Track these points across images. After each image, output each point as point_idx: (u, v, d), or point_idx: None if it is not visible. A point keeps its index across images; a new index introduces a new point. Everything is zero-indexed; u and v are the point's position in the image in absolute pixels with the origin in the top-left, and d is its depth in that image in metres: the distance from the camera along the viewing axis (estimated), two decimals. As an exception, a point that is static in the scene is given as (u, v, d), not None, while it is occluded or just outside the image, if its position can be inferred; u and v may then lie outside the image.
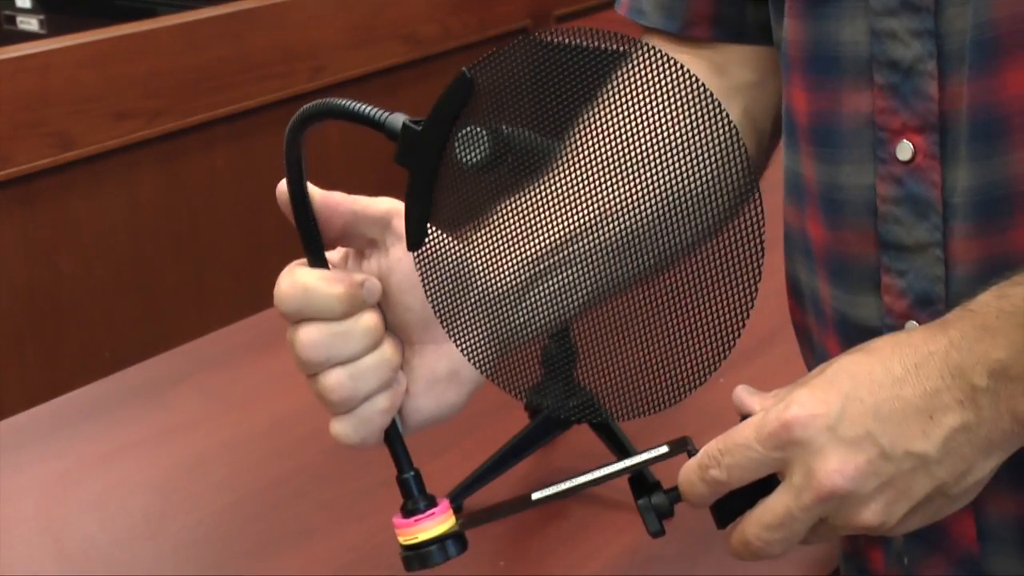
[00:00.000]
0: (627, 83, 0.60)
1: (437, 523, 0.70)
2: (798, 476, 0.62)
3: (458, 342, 0.69)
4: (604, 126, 0.61)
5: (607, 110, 0.61)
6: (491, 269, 0.68)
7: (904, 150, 0.70)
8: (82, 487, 1.03)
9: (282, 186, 0.71)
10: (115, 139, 2.11)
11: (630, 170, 0.61)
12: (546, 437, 1.01)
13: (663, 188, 0.61)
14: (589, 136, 0.62)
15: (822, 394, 0.62)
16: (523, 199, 0.66)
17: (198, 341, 1.28)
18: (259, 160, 2.35)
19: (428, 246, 0.67)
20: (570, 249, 0.66)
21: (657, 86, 0.59)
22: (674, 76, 0.58)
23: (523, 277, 0.67)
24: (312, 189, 0.71)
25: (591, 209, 0.63)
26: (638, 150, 0.60)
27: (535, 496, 0.71)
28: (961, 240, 0.70)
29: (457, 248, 0.67)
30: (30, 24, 2.56)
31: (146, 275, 2.22)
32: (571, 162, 0.63)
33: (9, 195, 1.99)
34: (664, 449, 0.67)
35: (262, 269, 2.64)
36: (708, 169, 0.59)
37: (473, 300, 0.68)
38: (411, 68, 2.66)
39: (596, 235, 0.64)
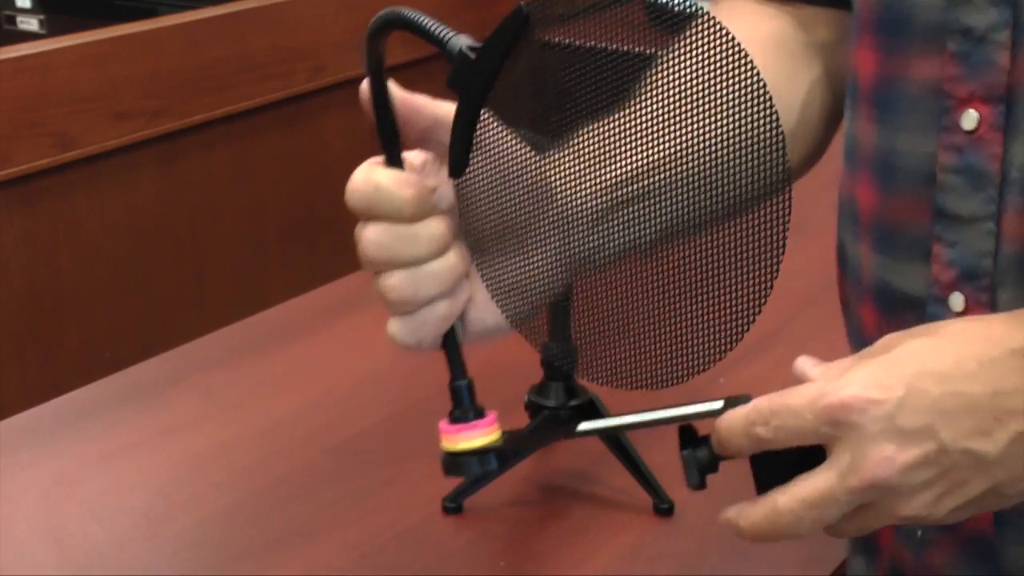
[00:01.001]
0: (684, 45, 0.60)
1: (481, 435, 0.71)
2: (847, 458, 0.59)
3: (484, 273, 0.69)
4: (664, 81, 0.61)
5: (665, 68, 0.61)
6: (563, 195, 0.67)
7: (969, 120, 0.69)
8: (82, 487, 1.03)
9: (364, 85, 0.70)
10: (115, 139, 2.11)
11: (684, 120, 0.61)
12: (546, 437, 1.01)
13: (704, 145, 0.60)
14: (656, 83, 0.62)
15: (885, 378, 0.59)
16: (593, 132, 0.65)
17: (198, 341, 1.28)
18: (259, 160, 2.35)
19: (469, 175, 0.67)
20: (635, 186, 0.65)
21: (705, 52, 0.58)
22: (720, 44, 0.57)
23: (597, 205, 0.66)
24: (394, 89, 0.70)
25: (657, 149, 0.62)
26: (688, 105, 0.60)
27: (580, 427, 0.69)
28: (1015, 215, 0.69)
29: (495, 179, 0.67)
30: (30, 24, 2.56)
31: (146, 275, 2.22)
32: (644, 99, 0.62)
33: (9, 195, 1.99)
34: (720, 404, 0.65)
35: (262, 269, 2.67)
36: (738, 140, 0.59)
37: (502, 235, 0.68)
38: (411, 68, 2.66)
39: (662, 175, 0.63)
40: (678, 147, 0.61)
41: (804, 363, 0.66)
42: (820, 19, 0.82)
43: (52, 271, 2.07)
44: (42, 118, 2.00)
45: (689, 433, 0.66)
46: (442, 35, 0.67)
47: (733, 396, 0.65)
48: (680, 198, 0.63)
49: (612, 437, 1.01)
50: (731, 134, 0.59)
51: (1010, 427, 0.58)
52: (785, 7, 0.83)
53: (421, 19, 0.68)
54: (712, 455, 0.65)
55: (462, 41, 0.67)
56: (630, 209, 0.65)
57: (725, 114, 0.59)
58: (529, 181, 0.66)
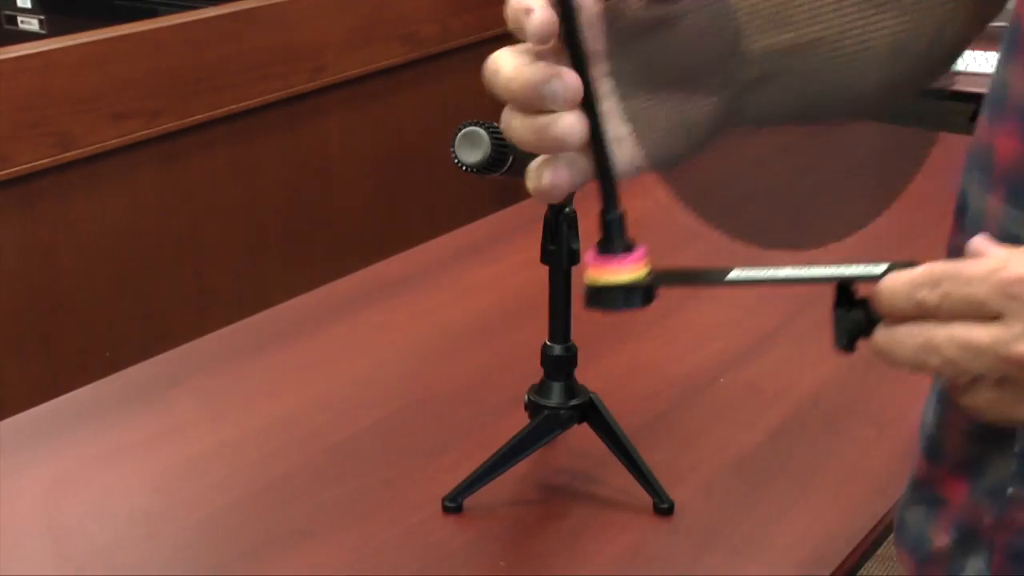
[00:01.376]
0: None
1: (626, 270, 0.67)
2: (1018, 328, 0.59)
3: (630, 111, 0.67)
4: None
5: None
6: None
7: None
8: (82, 487, 1.03)
9: None
10: (115, 139, 2.11)
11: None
12: (546, 437, 1.01)
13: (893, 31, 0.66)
14: None
15: None
16: None
17: (198, 341, 1.28)
18: (259, 160, 2.35)
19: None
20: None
21: None
22: None
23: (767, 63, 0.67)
24: None
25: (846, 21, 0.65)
26: None
27: (731, 276, 0.66)
28: None
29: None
30: (30, 24, 2.56)
31: (146, 275, 2.22)
32: None
33: (9, 195, 1.99)
34: (883, 267, 0.62)
35: (262, 269, 2.66)
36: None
37: (659, 73, 0.67)
38: (411, 68, 2.66)
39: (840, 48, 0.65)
40: (865, 25, 0.64)
41: (981, 241, 0.64)
42: None
43: (52, 271, 2.07)
44: (42, 118, 2.00)
45: (845, 293, 0.65)
46: None
47: (899, 261, 0.63)
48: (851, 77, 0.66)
49: (612, 437, 1.01)
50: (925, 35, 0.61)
51: None
52: None
53: None
54: (867, 317, 0.63)
55: None
56: (800, 69, 0.67)
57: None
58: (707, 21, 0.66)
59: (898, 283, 0.62)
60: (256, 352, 1.25)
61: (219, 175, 2.31)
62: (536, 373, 1.02)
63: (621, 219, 0.69)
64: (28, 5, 2.56)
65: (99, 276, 2.14)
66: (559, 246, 0.98)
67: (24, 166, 1.98)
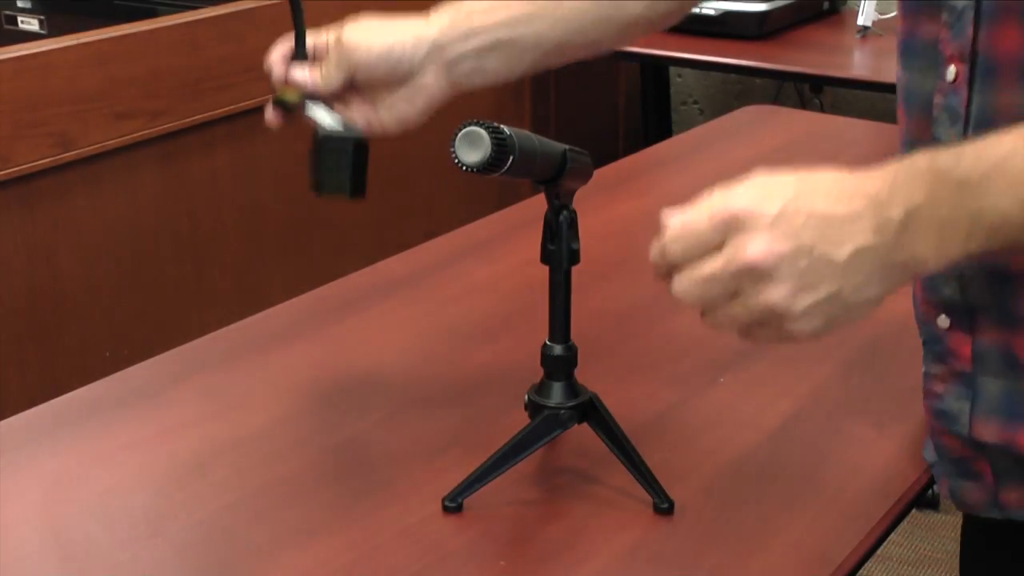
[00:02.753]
0: None
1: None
2: (731, 248, 0.76)
3: None
4: None
5: None
6: None
7: (950, 73, 0.91)
8: (82, 487, 1.03)
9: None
10: (115, 139, 2.11)
11: None
12: (546, 437, 1.01)
13: None
14: None
15: (767, 196, 0.77)
16: None
17: (198, 341, 1.28)
18: (259, 160, 2.35)
19: None
20: None
21: None
22: None
23: None
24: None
25: None
26: None
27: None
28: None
29: None
30: (30, 24, 2.56)
31: (146, 275, 2.22)
32: None
33: (9, 195, 1.99)
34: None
35: (262, 269, 2.66)
36: None
37: None
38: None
39: None
40: None
41: (668, 214, 0.81)
42: None
43: (52, 271, 2.07)
44: (42, 118, 2.00)
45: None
46: None
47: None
48: None
49: (612, 437, 1.01)
50: None
51: (857, 239, 0.76)
52: None
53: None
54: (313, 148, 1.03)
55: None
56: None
57: None
58: None
59: (653, 249, 0.80)
60: (256, 352, 1.25)
61: (219, 175, 2.31)
62: (536, 373, 1.02)
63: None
64: (28, 5, 2.56)
65: (99, 276, 2.14)
66: (559, 246, 0.98)
67: (24, 166, 1.98)
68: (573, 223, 0.99)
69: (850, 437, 1.10)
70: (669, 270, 0.79)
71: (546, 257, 0.99)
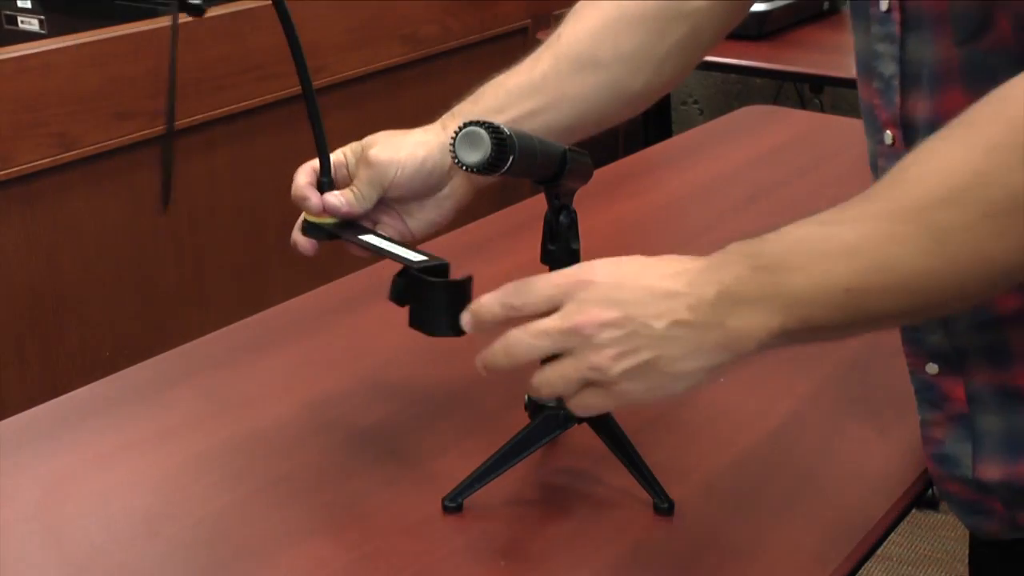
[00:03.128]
0: None
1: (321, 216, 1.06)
2: (568, 310, 0.84)
3: None
4: None
5: None
6: None
7: (888, 137, 0.95)
8: (82, 487, 1.03)
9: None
10: (115, 139, 2.11)
11: None
12: (546, 437, 1.01)
13: None
14: None
15: (608, 270, 0.85)
16: None
17: (198, 341, 1.28)
18: (259, 160, 2.35)
19: None
20: None
21: None
22: None
23: None
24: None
25: None
26: None
27: (361, 236, 1.05)
28: None
29: None
30: (30, 24, 2.56)
31: (146, 275, 2.22)
32: None
33: (9, 195, 1.99)
34: (421, 258, 0.98)
35: (262, 269, 2.66)
36: None
37: None
38: (411, 68, 2.66)
39: None
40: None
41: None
42: None
43: (52, 271, 2.08)
44: (42, 118, 2.00)
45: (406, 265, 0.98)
46: None
47: (433, 259, 0.97)
48: None
49: (612, 437, 1.01)
50: None
51: (675, 314, 0.82)
52: None
53: None
54: (406, 285, 0.98)
55: None
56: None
57: None
58: None
59: (487, 300, 0.88)
60: (256, 352, 1.25)
61: (219, 175, 2.31)
62: (536, 373, 1.01)
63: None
64: (28, 5, 2.56)
65: (99, 276, 2.14)
66: (559, 246, 0.98)
67: (24, 166, 1.99)
68: (573, 223, 0.99)
69: (850, 437, 1.10)
70: (506, 317, 0.87)
71: (546, 257, 0.99)
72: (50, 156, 2.02)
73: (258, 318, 1.33)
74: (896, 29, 0.92)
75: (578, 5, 1.14)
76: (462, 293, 0.93)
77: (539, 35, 2.83)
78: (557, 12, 2.93)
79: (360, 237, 1.04)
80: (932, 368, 0.97)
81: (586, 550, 0.95)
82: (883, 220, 0.79)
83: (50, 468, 1.06)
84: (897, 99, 0.93)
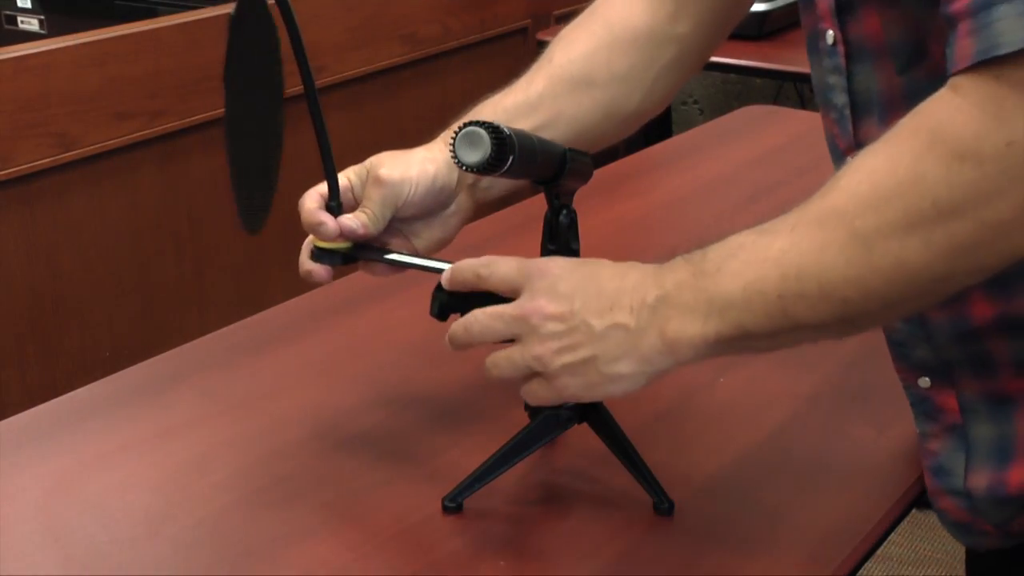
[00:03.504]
0: None
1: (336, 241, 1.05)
2: (522, 299, 0.89)
3: None
4: None
5: None
6: None
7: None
8: (82, 487, 1.03)
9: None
10: (115, 139, 2.11)
11: None
12: (546, 437, 1.01)
13: None
14: None
15: (567, 268, 0.90)
16: None
17: (198, 341, 1.28)
18: (259, 160, 2.35)
19: None
20: None
21: None
22: None
23: None
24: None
25: None
26: None
27: (387, 255, 1.04)
28: None
29: None
30: (30, 24, 2.56)
31: (146, 275, 2.22)
32: None
33: (9, 195, 1.99)
34: (447, 265, 0.96)
35: (262, 269, 2.66)
36: None
37: None
38: (411, 68, 2.66)
39: None
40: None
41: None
42: (685, 13, 1.13)
43: (52, 271, 2.08)
44: (42, 118, 2.00)
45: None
46: None
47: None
48: None
49: (612, 437, 1.01)
50: None
51: (615, 316, 0.87)
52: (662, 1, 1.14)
53: None
54: (450, 298, 0.94)
55: None
56: None
57: None
58: None
59: (465, 263, 0.93)
60: (256, 352, 1.25)
61: (219, 175, 2.31)
62: (536, 373, 1.01)
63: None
64: (28, 5, 2.56)
65: (99, 276, 2.14)
66: (559, 246, 0.98)
67: (24, 166, 1.99)
68: (573, 223, 0.99)
69: (850, 437, 1.10)
70: (474, 283, 0.92)
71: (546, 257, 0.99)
72: (50, 156, 2.02)
73: (258, 318, 1.33)
74: (842, 61, 0.95)
75: (564, 31, 1.16)
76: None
77: (539, 35, 2.84)
78: (557, 12, 2.94)
79: (386, 256, 1.04)
80: (924, 382, 0.98)
81: (586, 550, 0.95)
82: (814, 227, 0.82)
83: (50, 468, 1.06)
84: (850, 127, 0.95)
